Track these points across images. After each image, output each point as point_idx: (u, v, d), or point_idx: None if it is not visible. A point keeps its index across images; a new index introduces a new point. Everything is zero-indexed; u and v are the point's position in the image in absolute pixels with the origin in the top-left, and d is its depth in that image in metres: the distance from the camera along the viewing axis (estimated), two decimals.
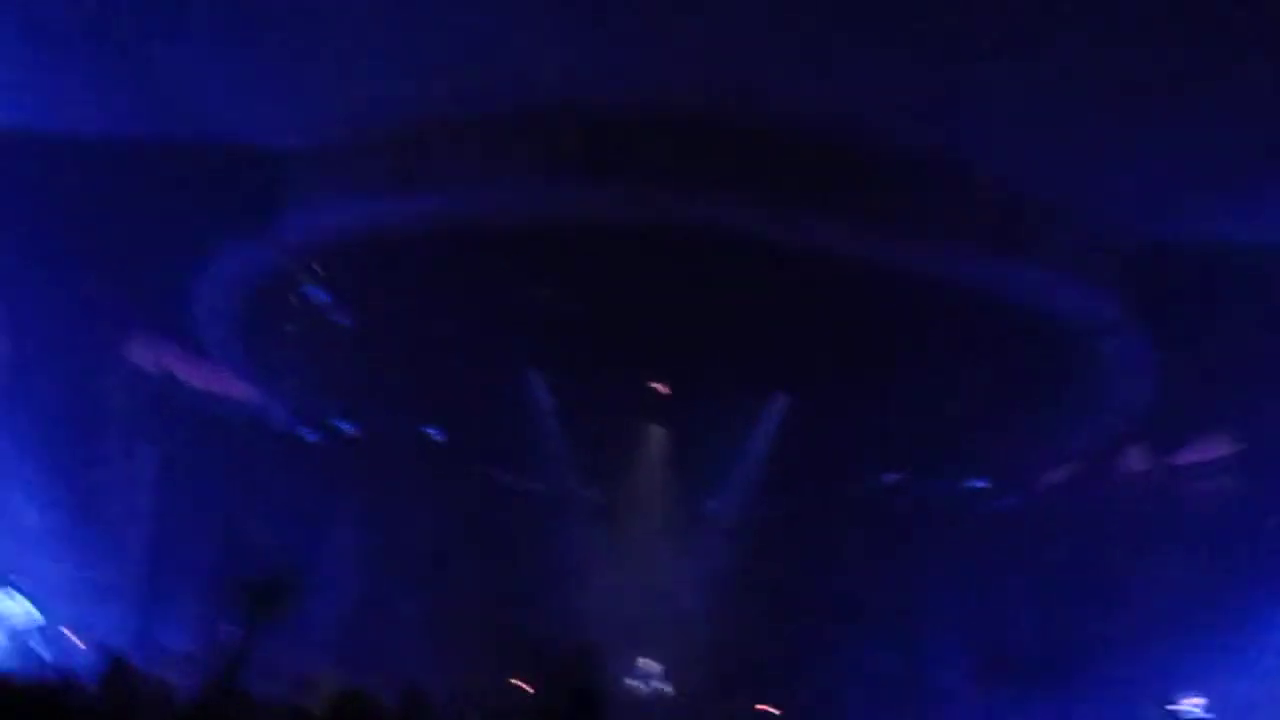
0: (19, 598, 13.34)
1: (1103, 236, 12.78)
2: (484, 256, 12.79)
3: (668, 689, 15.82)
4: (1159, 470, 17.31)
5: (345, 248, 13.13)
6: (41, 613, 13.71)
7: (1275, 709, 12.97)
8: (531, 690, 14.72)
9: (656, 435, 18.49)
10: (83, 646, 13.26)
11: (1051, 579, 17.99)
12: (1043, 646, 17.77)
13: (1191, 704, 13.69)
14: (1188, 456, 16.93)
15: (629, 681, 16.00)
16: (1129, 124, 10.67)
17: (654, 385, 16.73)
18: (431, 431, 18.54)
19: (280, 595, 3.55)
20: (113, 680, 4.88)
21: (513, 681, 13.51)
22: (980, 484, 18.38)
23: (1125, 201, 12.28)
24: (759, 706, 15.65)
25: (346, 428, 18.41)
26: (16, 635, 13.17)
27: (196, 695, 3.63)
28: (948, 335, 13.57)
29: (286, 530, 18.28)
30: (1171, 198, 12.06)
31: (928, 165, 11.67)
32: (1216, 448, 16.64)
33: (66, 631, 13.54)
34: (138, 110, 11.82)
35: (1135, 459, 17.53)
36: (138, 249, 13.42)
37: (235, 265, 13.82)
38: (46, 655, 12.77)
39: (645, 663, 16.40)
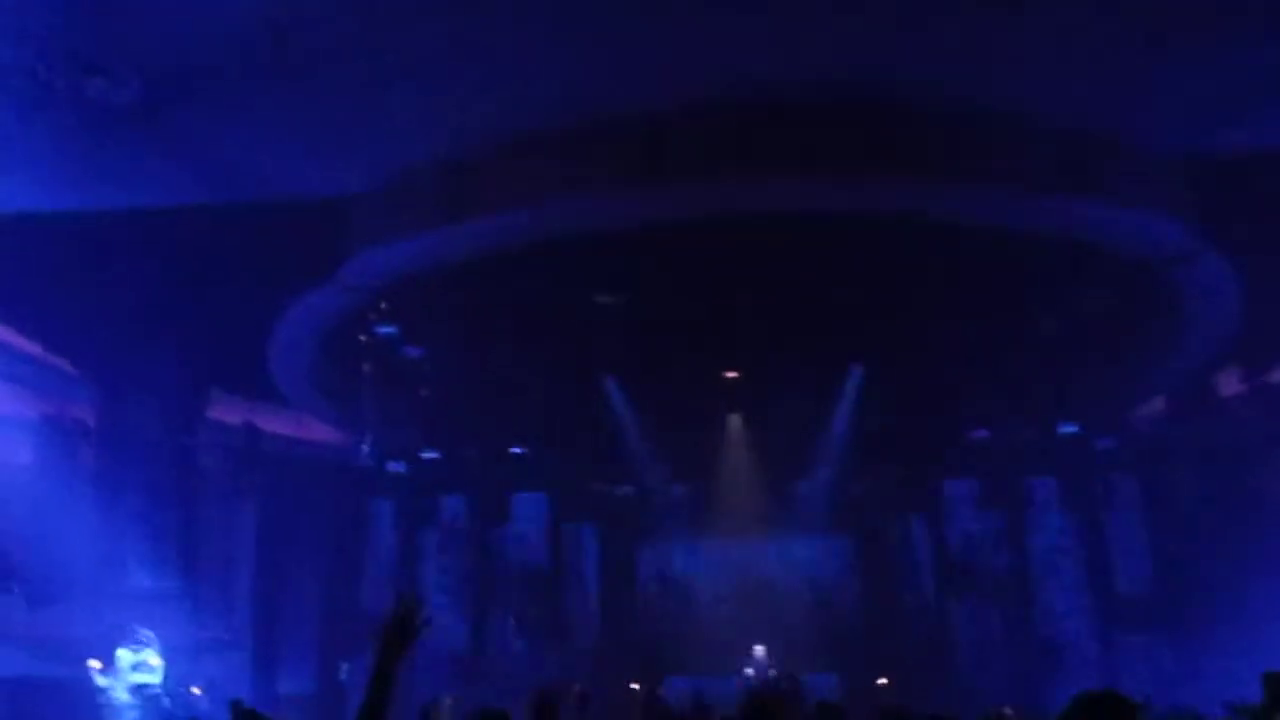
0: (145, 653, 13.75)
1: (1164, 161, 12.44)
2: (546, 271, 12.86)
3: (780, 673, 15.76)
4: (1256, 391, 16.78)
5: (408, 281, 13.29)
6: (168, 673, 14.12)
7: None
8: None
9: (736, 424, 18.45)
10: (205, 700, 13.64)
11: (1160, 516, 17.61)
12: (1162, 589, 17.40)
13: None
14: None
15: (745, 670, 15.98)
16: (1172, 43, 10.39)
17: (728, 374, 16.69)
18: (516, 449, 18.71)
19: (408, 628, 3.57)
20: None
21: (631, 686, 13.59)
22: (1072, 428, 18.01)
23: (1180, 122, 11.94)
24: (878, 681, 15.50)
25: (432, 455, 18.65)
26: (144, 693, 13.57)
27: None
28: (1022, 284, 13.35)
29: (386, 564, 18.66)
30: (1225, 111, 11.69)
31: (981, 115, 11.46)
32: None
33: (193, 689, 13.90)
34: (193, 180, 12.11)
35: (1230, 383, 17.04)
36: (211, 312, 13.78)
37: (306, 313, 14.07)
38: (174, 711, 13.15)
39: (757, 650, 16.37)
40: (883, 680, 16.08)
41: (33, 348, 14.57)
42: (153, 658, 13.64)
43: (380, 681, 3.42)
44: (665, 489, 18.91)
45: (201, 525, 16.95)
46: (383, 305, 14.20)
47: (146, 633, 13.82)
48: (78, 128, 10.36)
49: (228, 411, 17.50)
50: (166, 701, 13.60)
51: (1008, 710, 8.10)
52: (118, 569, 15.51)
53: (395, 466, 18.68)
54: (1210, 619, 15.87)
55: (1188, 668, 15.17)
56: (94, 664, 13.37)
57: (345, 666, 17.45)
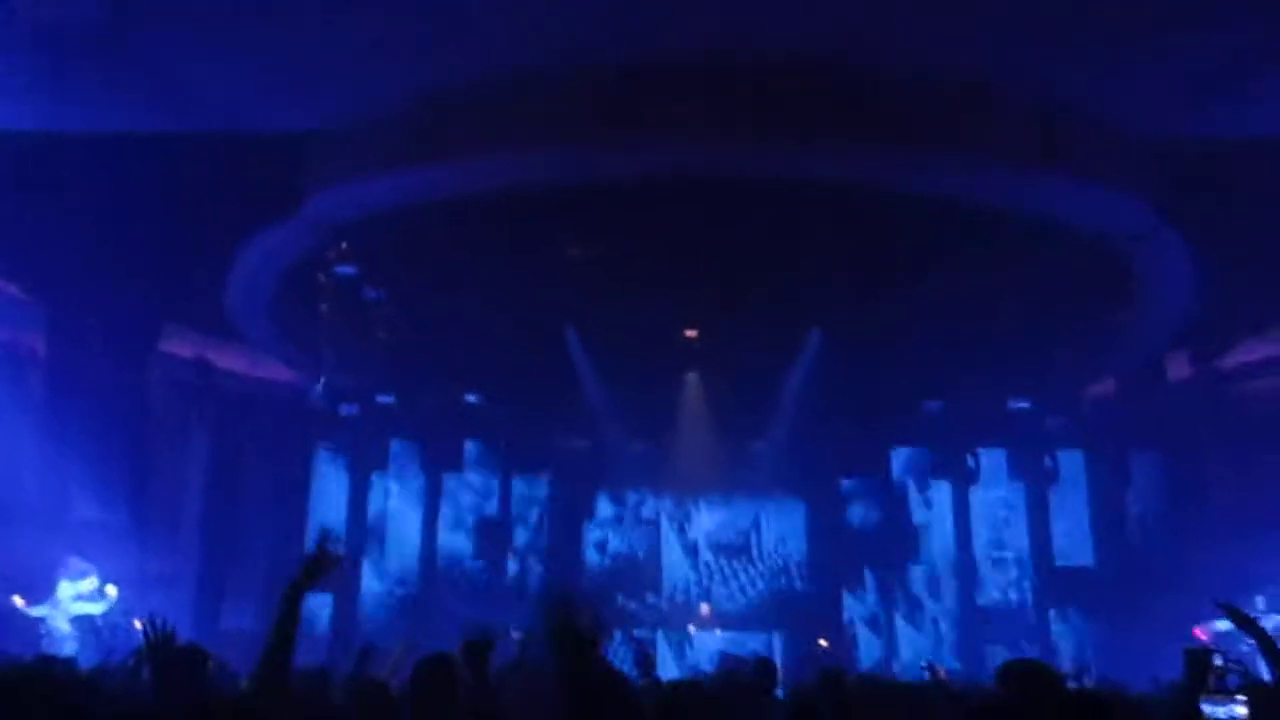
0: (84, 584, 13.65)
1: (1130, 141, 12.55)
2: (508, 220, 12.76)
3: (724, 630, 15.99)
4: (1203, 375, 17.10)
5: (370, 222, 13.14)
6: (106, 603, 14.05)
7: None
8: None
9: (694, 382, 18.50)
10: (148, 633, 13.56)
11: (1104, 494, 17.95)
12: (1101, 565, 17.79)
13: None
14: (1234, 359, 16.73)
15: (688, 627, 16.16)
16: (1149, 24, 10.43)
17: (688, 332, 16.71)
18: (472, 397, 18.66)
19: (322, 563, 3.63)
20: (183, 662, 4.94)
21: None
22: (1024, 404, 18.28)
23: (1151, 104, 12.03)
24: (820, 641, 15.77)
25: (387, 400, 18.55)
26: (83, 625, 13.51)
27: (256, 672, 3.70)
28: (983, 256, 13.43)
29: (336, 506, 18.61)
30: (1197, 96, 11.80)
31: (949, 83, 11.47)
32: (1262, 348, 16.43)
33: (135, 622, 13.83)
34: (156, 108, 11.87)
35: (1179, 367, 17.34)
36: (167, 243, 13.54)
37: (263, 250, 13.89)
38: (114, 643, 13.09)
39: (701, 608, 16.56)
40: (823, 642, 16.34)
41: None
42: (89, 586, 13.54)
43: (285, 607, 3.51)
44: (620, 444, 18.95)
45: (150, 458, 16.80)
46: (343, 245, 14.04)
47: (82, 564, 13.70)
48: (35, 46, 10.10)
49: (181, 345, 17.30)
50: (107, 634, 13.53)
51: (940, 668, 8.23)
52: (63, 499, 15.35)
53: (349, 409, 18.58)
54: (1146, 595, 16.29)
55: (1122, 642, 15.55)
56: (17, 600, 13.25)
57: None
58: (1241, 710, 3.97)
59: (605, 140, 11.48)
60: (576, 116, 11.41)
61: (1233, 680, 5.25)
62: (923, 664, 10.64)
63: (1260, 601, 11.79)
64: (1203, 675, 4.70)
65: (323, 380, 17.75)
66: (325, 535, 3.85)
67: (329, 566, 3.79)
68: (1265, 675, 4.41)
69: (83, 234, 13.57)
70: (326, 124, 12.42)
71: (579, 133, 11.46)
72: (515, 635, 11.72)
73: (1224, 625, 11.36)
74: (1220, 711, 3.96)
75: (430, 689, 4.23)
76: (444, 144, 11.74)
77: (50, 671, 4.27)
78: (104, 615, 13.92)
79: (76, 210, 12.99)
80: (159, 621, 4.72)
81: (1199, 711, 4.01)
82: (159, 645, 4.53)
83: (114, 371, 15.96)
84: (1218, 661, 5.13)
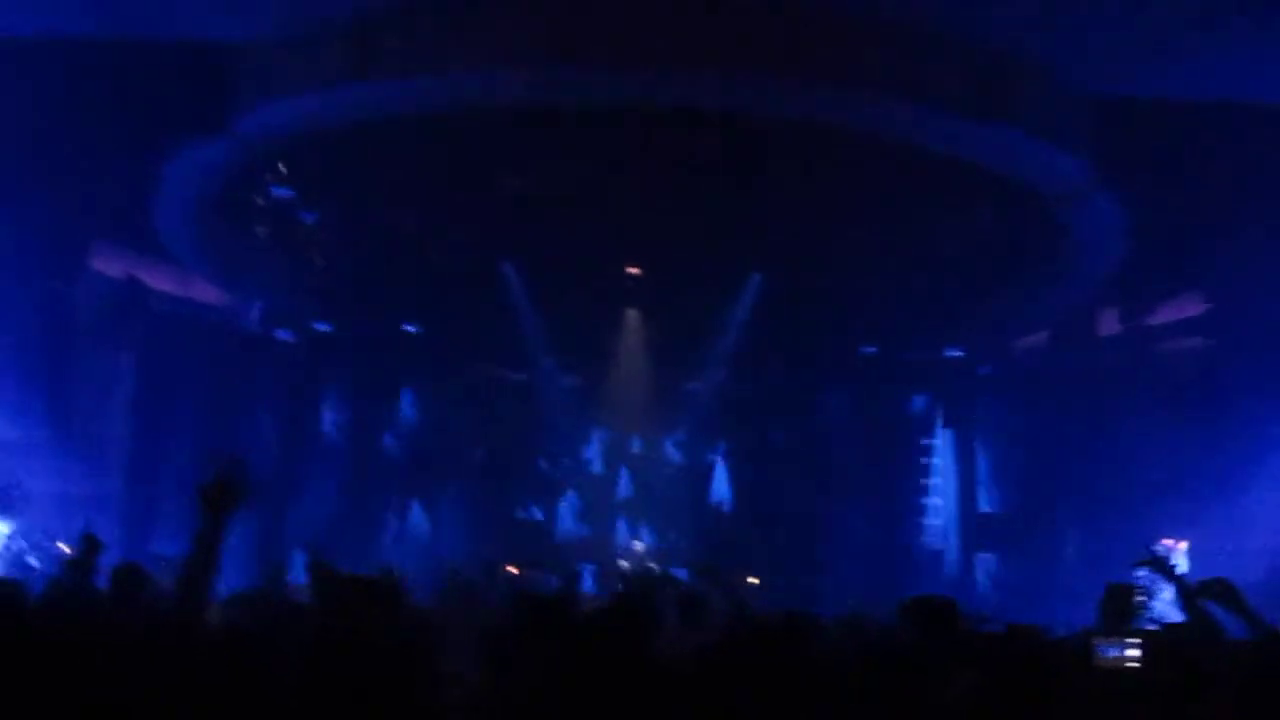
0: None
1: (1072, 97, 12.66)
2: (449, 145, 12.55)
3: (654, 566, 16.15)
4: (1131, 331, 17.47)
5: (307, 141, 12.82)
6: (29, 526, 13.78)
7: (1251, 559, 13.30)
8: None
9: (633, 319, 18.48)
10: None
11: (1030, 443, 18.36)
12: (1023, 511, 18.25)
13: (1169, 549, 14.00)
14: (1160, 316, 17.09)
15: (618, 561, 16.31)
16: None
17: (629, 269, 16.66)
18: (409, 327, 18.46)
19: (232, 491, 3.58)
20: (129, 578, 4.94)
21: (507, 568, 13.73)
22: (957, 352, 18.59)
23: (1093, 60, 12.14)
24: (749, 579, 16.00)
25: (322, 327, 18.29)
26: (9, 548, 13.25)
27: (177, 597, 3.67)
28: (920, 204, 13.53)
29: (265, 432, 18.39)
30: (1140, 55, 11.93)
31: (897, 27, 11.45)
32: (1188, 307, 16.80)
33: (59, 544, 13.60)
34: (86, 10, 11.40)
35: (1109, 323, 17.69)
36: (95, 155, 13.09)
37: (195, 166, 13.50)
38: (40, 567, 12.87)
39: (634, 544, 16.72)
40: (753, 580, 16.57)
41: None
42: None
43: (204, 542, 3.46)
44: (557, 378, 18.93)
45: (75, 377, 16.41)
46: (279, 165, 13.71)
47: None
48: None
49: (110, 264, 16.83)
50: (30, 558, 13.31)
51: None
52: None
53: (283, 334, 18.30)
54: (1064, 541, 16.78)
55: (1040, 585, 16.00)
56: None
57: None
58: (1134, 651, 4.09)
59: (549, 65, 11.28)
60: (520, 39, 11.19)
61: (1139, 620, 5.43)
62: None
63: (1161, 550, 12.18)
64: (1120, 608, 4.84)
65: (257, 305, 17.44)
66: (232, 462, 3.79)
67: (241, 493, 3.74)
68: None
69: (7, 145, 13.06)
70: (261, 35, 12.03)
71: (522, 56, 11.24)
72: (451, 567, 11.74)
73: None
74: (1112, 650, 4.07)
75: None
76: (382, 60, 11.44)
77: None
78: (24, 535, 13.65)
79: (3, 117, 12.49)
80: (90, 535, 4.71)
81: (1093, 649, 4.13)
82: (88, 554, 4.53)
83: (38, 287, 15.52)
84: (1138, 598, 5.30)
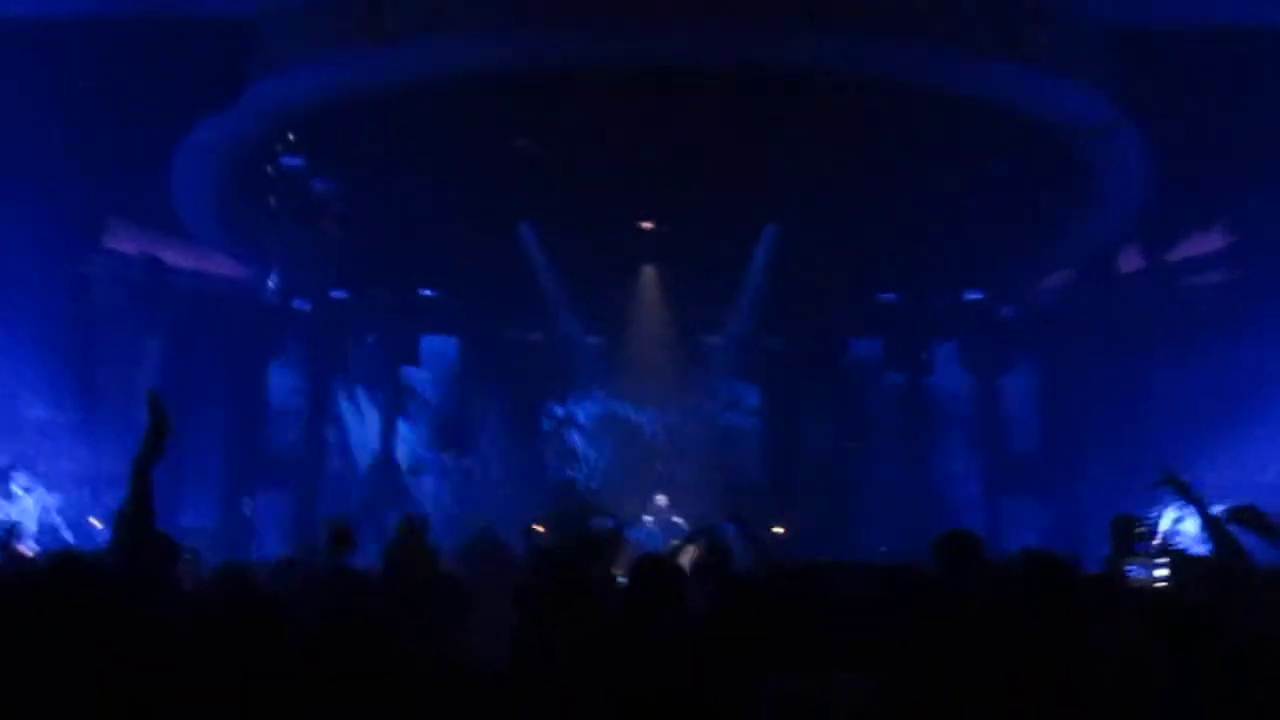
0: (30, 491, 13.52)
1: (1089, 30, 12.45)
2: (460, 109, 12.49)
3: (680, 521, 16.22)
4: (1154, 268, 17.30)
5: (320, 110, 12.78)
6: (61, 504, 13.96)
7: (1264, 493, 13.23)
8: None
9: (650, 275, 18.44)
10: (105, 532, 13.54)
11: (1054, 383, 18.28)
12: (1048, 453, 18.20)
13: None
14: (1183, 252, 16.91)
15: (644, 518, 16.38)
16: None
17: (644, 224, 16.59)
18: (427, 292, 18.49)
19: (160, 429, 3.83)
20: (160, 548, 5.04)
21: (533, 527, 13.82)
22: (977, 295, 18.46)
23: None
24: (777, 529, 16.07)
25: (340, 295, 18.34)
26: (43, 524, 13.43)
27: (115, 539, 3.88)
28: (938, 147, 13.36)
29: (290, 402, 18.55)
30: None
31: None
32: (1211, 241, 16.61)
33: (93, 520, 13.80)
34: None
35: (1131, 260, 17.51)
36: (110, 135, 13.12)
37: (205, 140, 13.50)
38: (74, 542, 13.05)
39: (658, 498, 16.76)
40: (779, 529, 16.64)
41: None
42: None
43: (138, 475, 3.72)
44: (576, 338, 18.95)
45: (101, 357, 16.57)
46: (290, 136, 13.68)
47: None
48: None
49: (128, 243, 16.91)
50: (67, 533, 13.49)
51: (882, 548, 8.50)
52: (11, 399, 15.16)
53: (302, 304, 18.37)
54: (1088, 481, 16.74)
55: (1066, 525, 16.00)
56: None
57: (248, 501, 17.47)
58: (1163, 572, 4.23)
59: (560, 25, 11.19)
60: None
61: (1144, 545, 5.53)
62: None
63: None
64: (1125, 538, 4.95)
65: (274, 276, 17.50)
66: (155, 402, 4.04)
67: (166, 433, 4.03)
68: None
69: (19, 123, 13.10)
70: (269, 5, 11.98)
71: (533, 16, 11.15)
72: (482, 524, 11.84)
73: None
74: (1143, 573, 4.21)
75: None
76: (393, 27, 11.37)
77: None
78: (58, 511, 13.84)
79: (11, 97, 12.51)
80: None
81: (1123, 572, 4.27)
82: (137, 523, 4.63)
83: (58, 269, 15.63)
84: (1140, 528, 5.41)
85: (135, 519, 3.78)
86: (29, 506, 13.30)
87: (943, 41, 11.56)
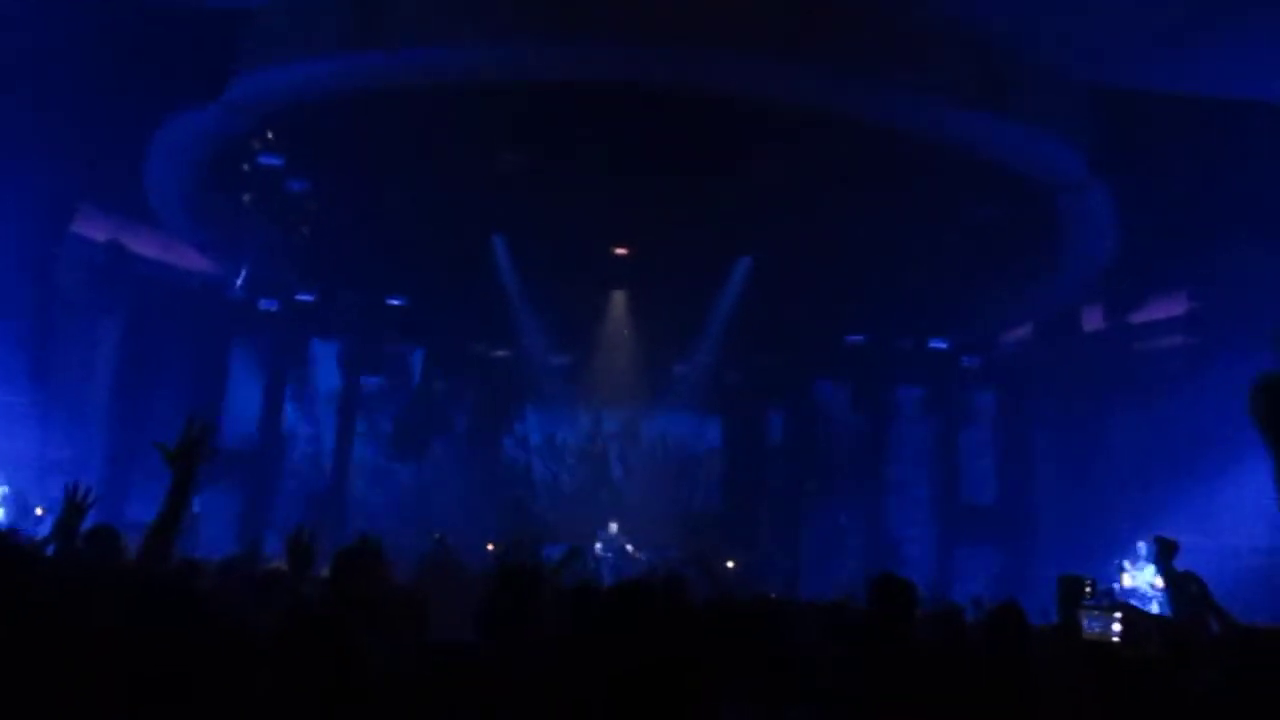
0: None
1: (1066, 88, 12.67)
2: (441, 118, 12.47)
3: (635, 552, 16.19)
4: (1115, 329, 17.54)
5: (298, 110, 12.73)
6: (9, 489, 13.72)
7: (1226, 560, 13.40)
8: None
9: (620, 301, 18.47)
10: (49, 520, 13.28)
11: (1012, 435, 18.46)
12: (1002, 503, 18.36)
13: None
14: (1145, 314, 17.16)
15: (596, 547, 16.31)
16: None
17: (617, 250, 16.63)
18: (395, 300, 18.37)
19: (197, 450, 3.71)
20: (100, 537, 4.97)
21: (488, 547, 13.75)
22: (942, 344, 18.64)
23: (1089, 51, 12.15)
24: (729, 563, 16.07)
25: (307, 297, 18.18)
26: None
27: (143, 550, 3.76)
28: (910, 193, 13.53)
29: (248, 400, 18.33)
30: (1135, 48, 11.95)
31: (892, 13, 11.44)
32: (1173, 305, 16.87)
33: (37, 509, 13.54)
34: None
35: (1093, 319, 17.77)
36: (82, 118, 12.96)
37: (184, 132, 13.39)
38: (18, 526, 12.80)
39: (611, 526, 16.71)
40: (730, 563, 16.64)
41: None
42: None
43: (176, 495, 3.60)
44: (543, 357, 18.90)
45: (57, 341, 16.30)
46: (269, 134, 13.60)
47: None
48: None
49: (95, 228, 16.68)
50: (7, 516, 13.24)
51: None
52: None
53: (268, 304, 18.18)
54: (1041, 534, 16.89)
55: (1018, 575, 16.11)
56: None
57: (197, 499, 17.19)
58: (1117, 626, 4.32)
59: (544, 40, 11.23)
60: (516, 12, 11.12)
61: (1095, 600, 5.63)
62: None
63: (1142, 548, 12.31)
64: (1073, 596, 5.05)
65: (244, 273, 17.33)
66: (198, 423, 3.90)
67: (204, 454, 3.87)
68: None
69: None
70: (256, 2, 11.94)
71: (517, 29, 11.18)
72: (436, 536, 11.72)
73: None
74: (1097, 626, 4.30)
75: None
76: (376, 31, 11.36)
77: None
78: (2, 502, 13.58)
79: None
80: (80, 488, 4.74)
81: (1078, 624, 4.35)
82: (77, 510, 4.59)
83: (22, 250, 15.38)
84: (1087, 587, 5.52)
85: (163, 530, 3.70)
86: None
87: (920, 88, 11.72)
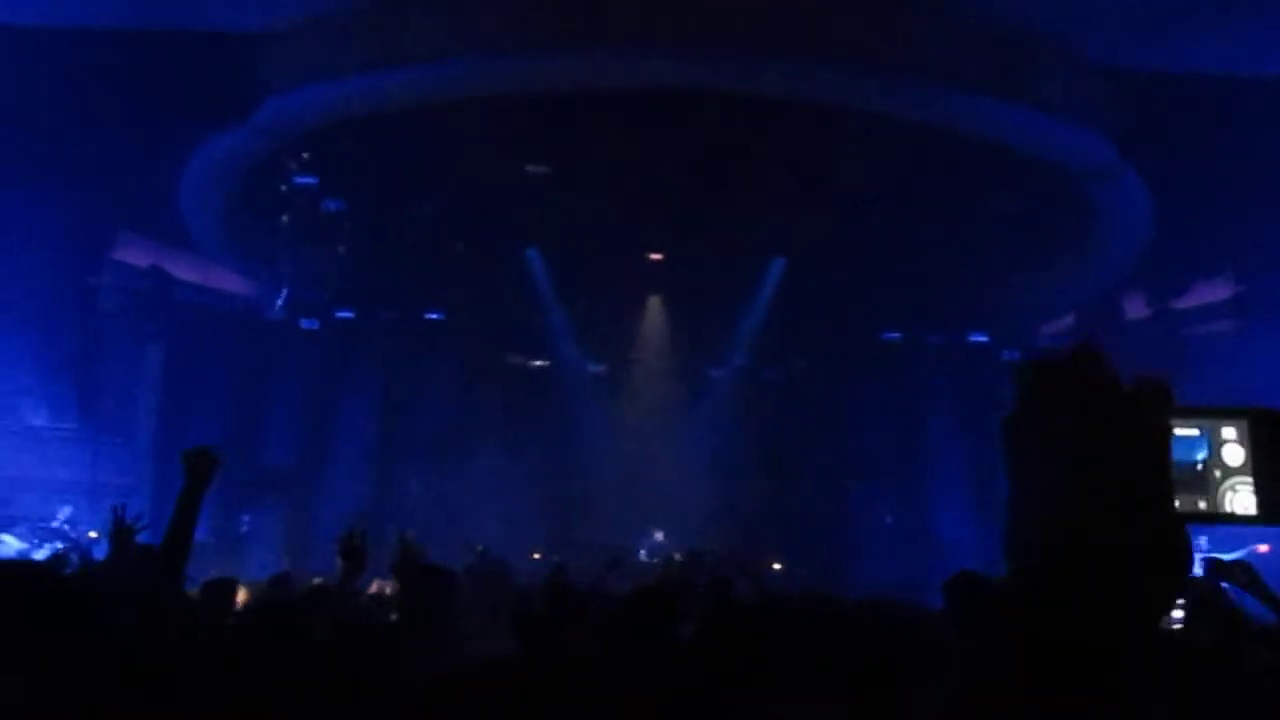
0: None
1: (1097, 74, 12.51)
2: (473, 132, 12.55)
3: (675, 554, 16.14)
4: (1159, 315, 17.28)
5: (331, 130, 12.86)
6: (56, 511, 13.95)
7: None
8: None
9: (656, 306, 18.46)
10: (101, 544, 13.50)
11: None
12: None
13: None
14: (1189, 299, 16.91)
15: (640, 552, 16.30)
16: None
17: (651, 255, 16.64)
18: (433, 314, 18.49)
19: (206, 461, 3.79)
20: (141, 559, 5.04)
21: (534, 556, 13.79)
22: (981, 338, 18.44)
23: (1120, 34, 11.98)
24: (775, 565, 16.01)
25: (347, 315, 18.34)
26: (40, 535, 13.39)
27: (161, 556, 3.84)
28: (945, 186, 13.42)
29: (290, 419, 18.50)
30: (1166, 27, 11.76)
31: (917, 5, 11.37)
32: (1216, 289, 16.61)
33: (90, 533, 13.76)
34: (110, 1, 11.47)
35: (1135, 306, 17.51)
36: (121, 145, 13.18)
37: (217, 156, 13.56)
38: (70, 554, 12.99)
39: (656, 534, 16.69)
40: (777, 565, 16.57)
41: None
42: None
43: (188, 506, 3.69)
44: (580, 365, 18.93)
45: (103, 367, 16.57)
46: (304, 155, 13.75)
47: None
48: None
49: (136, 254, 16.96)
50: (60, 542, 13.45)
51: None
52: (11, 407, 15.15)
53: (308, 323, 18.36)
54: None
55: None
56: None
57: (245, 519, 17.40)
58: (1177, 612, 4.21)
59: (572, 50, 11.26)
60: (542, 24, 11.16)
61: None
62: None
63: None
64: None
65: (285, 293, 17.52)
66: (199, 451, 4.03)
67: (214, 463, 3.98)
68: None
69: (35, 135, 13.18)
70: (284, 24, 12.07)
71: (545, 41, 11.23)
72: (479, 549, 11.77)
73: None
74: None
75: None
76: (405, 49, 11.45)
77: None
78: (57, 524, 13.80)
79: (29, 109, 12.59)
80: (125, 513, 4.84)
81: None
82: (124, 533, 4.68)
83: (65, 278, 15.66)
84: None
85: (172, 555, 3.79)
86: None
87: (949, 80, 11.62)
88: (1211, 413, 1.17)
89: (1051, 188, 13.54)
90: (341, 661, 3.23)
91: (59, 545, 13.29)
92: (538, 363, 19.35)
